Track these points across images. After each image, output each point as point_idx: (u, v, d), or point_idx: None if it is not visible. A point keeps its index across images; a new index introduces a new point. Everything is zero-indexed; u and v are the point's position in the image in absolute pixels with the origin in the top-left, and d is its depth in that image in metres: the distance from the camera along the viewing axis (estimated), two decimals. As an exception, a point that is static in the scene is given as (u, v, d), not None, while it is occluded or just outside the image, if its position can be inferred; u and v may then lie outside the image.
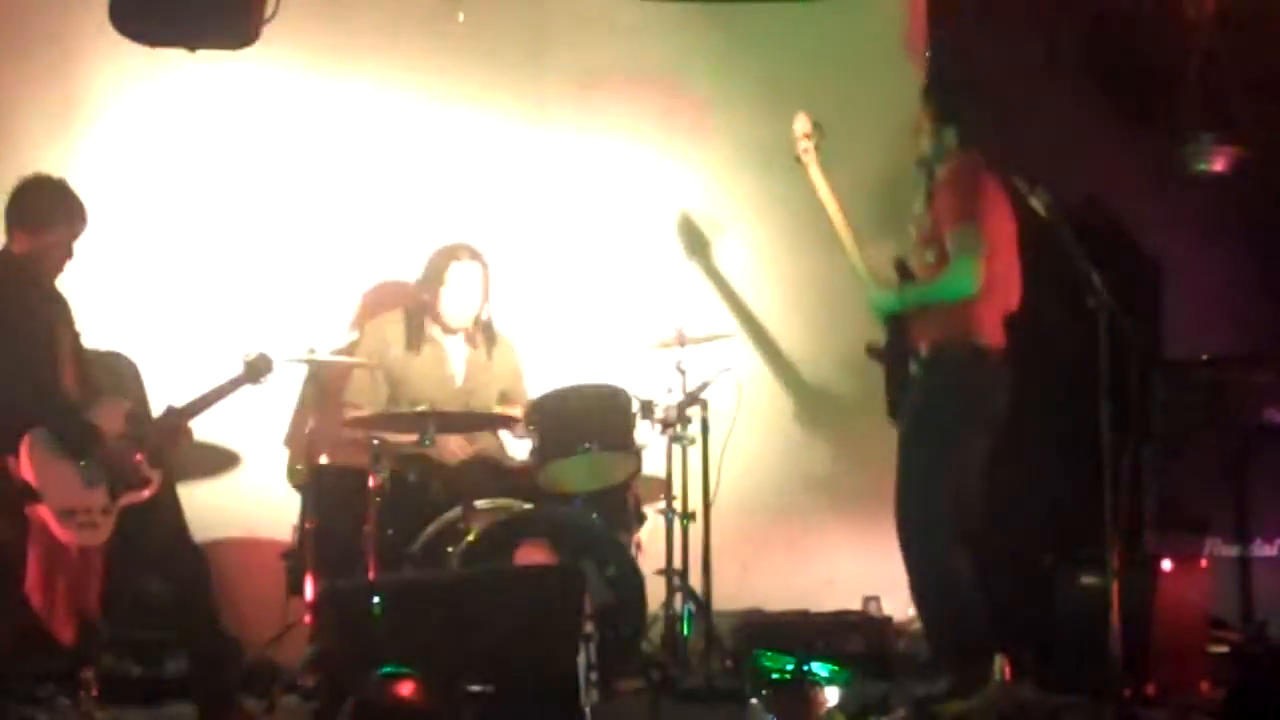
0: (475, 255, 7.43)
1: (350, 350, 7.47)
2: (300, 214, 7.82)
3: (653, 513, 7.26)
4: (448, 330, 7.45)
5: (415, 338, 7.39)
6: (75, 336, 6.63)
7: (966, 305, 6.46)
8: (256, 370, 6.67)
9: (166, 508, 6.71)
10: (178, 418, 6.62)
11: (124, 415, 6.51)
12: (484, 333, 7.51)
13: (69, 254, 6.52)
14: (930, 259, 6.56)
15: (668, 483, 7.25)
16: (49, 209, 6.49)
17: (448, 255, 7.41)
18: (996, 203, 6.56)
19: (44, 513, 6.27)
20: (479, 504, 6.82)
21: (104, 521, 6.37)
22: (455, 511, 6.78)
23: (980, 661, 6.42)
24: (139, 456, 6.46)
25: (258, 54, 6.87)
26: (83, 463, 6.33)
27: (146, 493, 6.49)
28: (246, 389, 6.64)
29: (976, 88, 6.79)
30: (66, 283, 6.53)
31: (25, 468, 6.29)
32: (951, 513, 6.52)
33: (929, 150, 6.68)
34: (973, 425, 6.56)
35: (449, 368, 7.43)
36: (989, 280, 6.46)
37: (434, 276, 7.41)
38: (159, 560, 6.57)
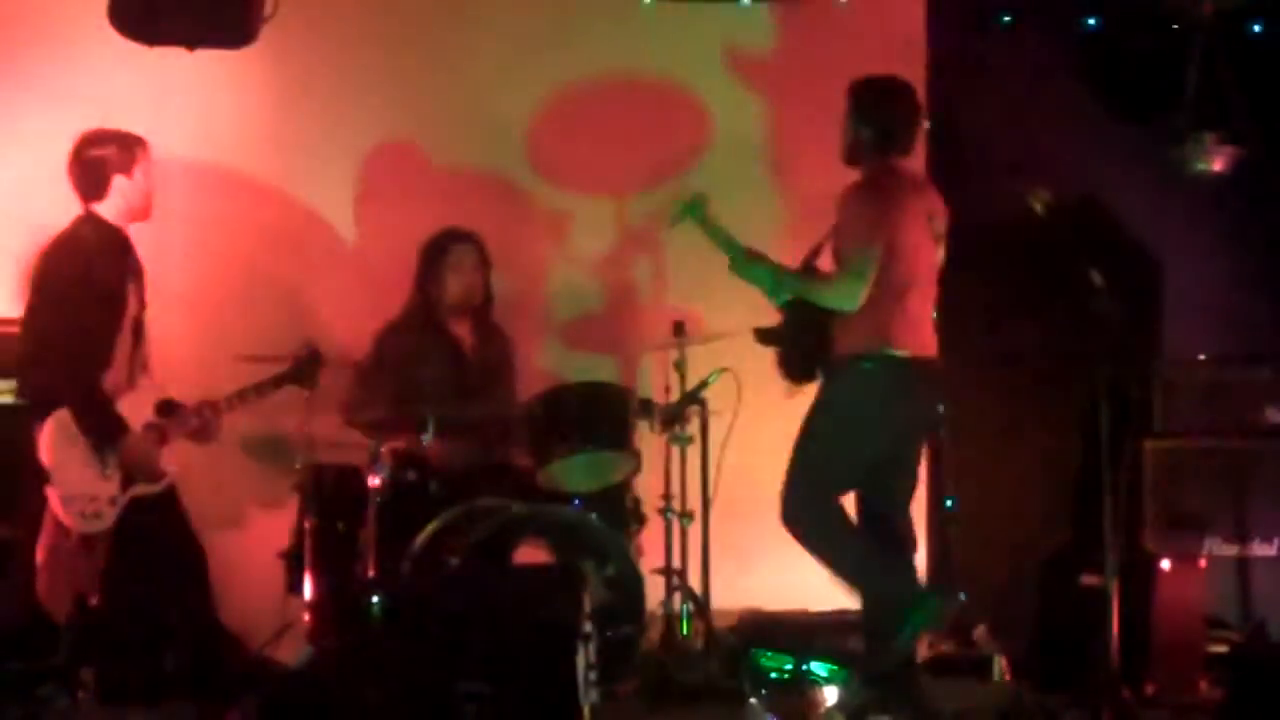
0: (469, 235, 7.44)
1: (358, 356, 7.46)
2: (298, 210, 7.82)
3: (651, 513, 7.26)
4: (454, 314, 7.44)
5: (425, 337, 7.37)
6: (143, 308, 6.63)
7: (882, 316, 6.41)
8: (304, 371, 6.66)
9: (177, 502, 6.70)
10: (212, 412, 6.60)
11: (155, 403, 6.50)
12: (486, 322, 7.51)
13: (144, 198, 6.53)
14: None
15: (666, 482, 7.25)
16: (103, 164, 6.52)
17: (444, 237, 7.42)
18: (911, 217, 6.49)
19: (52, 496, 6.29)
20: (478, 503, 6.81)
21: (110, 511, 6.38)
22: (454, 511, 6.77)
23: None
24: (161, 449, 6.46)
25: (257, 51, 6.88)
26: (102, 453, 6.34)
27: (160, 486, 6.49)
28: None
29: (904, 92, 6.68)
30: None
31: (44, 448, 6.32)
32: (841, 509, 6.50)
33: (850, 149, 6.66)
34: (875, 431, 6.49)
35: (458, 365, 7.42)
36: (905, 290, 6.44)
37: (433, 261, 7.40)
38: (165, 553, 6.57)
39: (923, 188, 6.69)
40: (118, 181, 6.64)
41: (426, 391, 7.16)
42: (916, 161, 8.09)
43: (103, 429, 6.38)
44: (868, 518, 6.59)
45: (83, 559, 6.44)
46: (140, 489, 6.45)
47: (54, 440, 6.35)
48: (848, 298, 6.41)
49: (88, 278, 6.47)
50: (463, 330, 7.47)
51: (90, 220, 6.60)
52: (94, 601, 6.47)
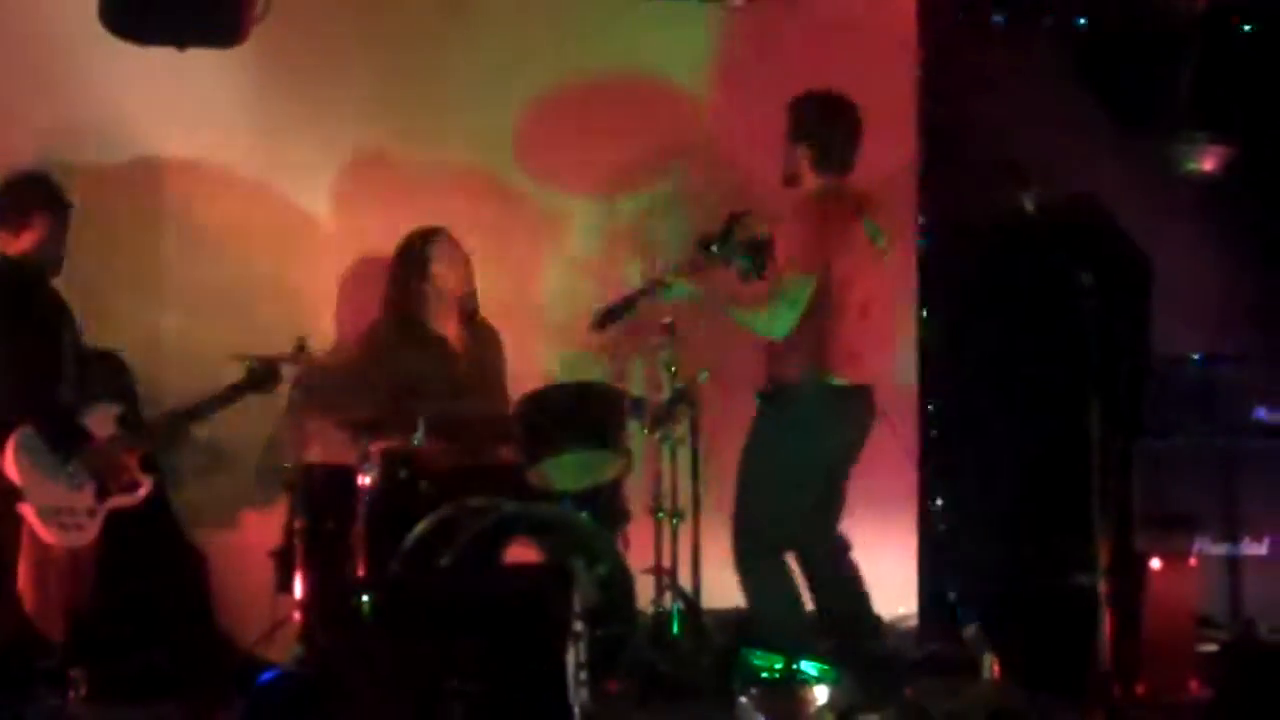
0: (443, 229, 7.44)
1: (347, 354, 7.46)
2: (288, 209, 7.83)
3: (642, 512, 7.27)
4: (440, 311, 7.44)
5: (416, 334, 7.37)
6: (75, 339, 6.63)
7: (818, 342, 6.40)
8: (260, 378, 6.67)
9: (163, 510, 6.72)
10: (177, 422, 6.62)
11: (115, 418, 6.51)
12: (474, 319, 7.51)
13: (61, 247, 6.53)
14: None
15: (656, 481, 7.26)
16: (28, 203, 6.51)
17: (421, 233, 7.42)
18: (852, 240, 6.46)
19: (27, 512, 6.28)
20: (468, 502, 6.81)
21: (90, 523, 6.38)
22: (444, 510, 6.77)
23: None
24: (131, 460, 6.46)
25: (247, 50, 6.89)
26: (69, 464, 6.34)
27: (138, 495, 6.50)
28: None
29: (844, 108, 6.62)
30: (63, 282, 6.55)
31: (9, 465, 6.31)
32: (773, 535, 6.54)
33: (785, 165, 6.62)
34: (812, 463, 6.52)
35: (448, 363, 7.42)
36: (843, 316, 6.42)
37: (414, 257, 7.40)
38: (156, 563, 6.58)
39: (867, 205, 6.58)
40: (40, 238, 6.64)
41: (417, 390, 7.16)
42: (909, 158, 8.17)
43: (66, 439, 6.40)
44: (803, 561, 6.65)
45: (70, 574, 6.45)
46: (118, 500, 6.46)
47: (20, 456, 6.35)
48: (778, 326, 6.38)
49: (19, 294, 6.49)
50: (450, 328, 7.47)
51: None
52: (86, 618, 6.49)
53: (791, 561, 6.64)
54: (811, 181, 6.57)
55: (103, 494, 6.43)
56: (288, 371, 6.92)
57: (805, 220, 6.45)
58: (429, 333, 7.42)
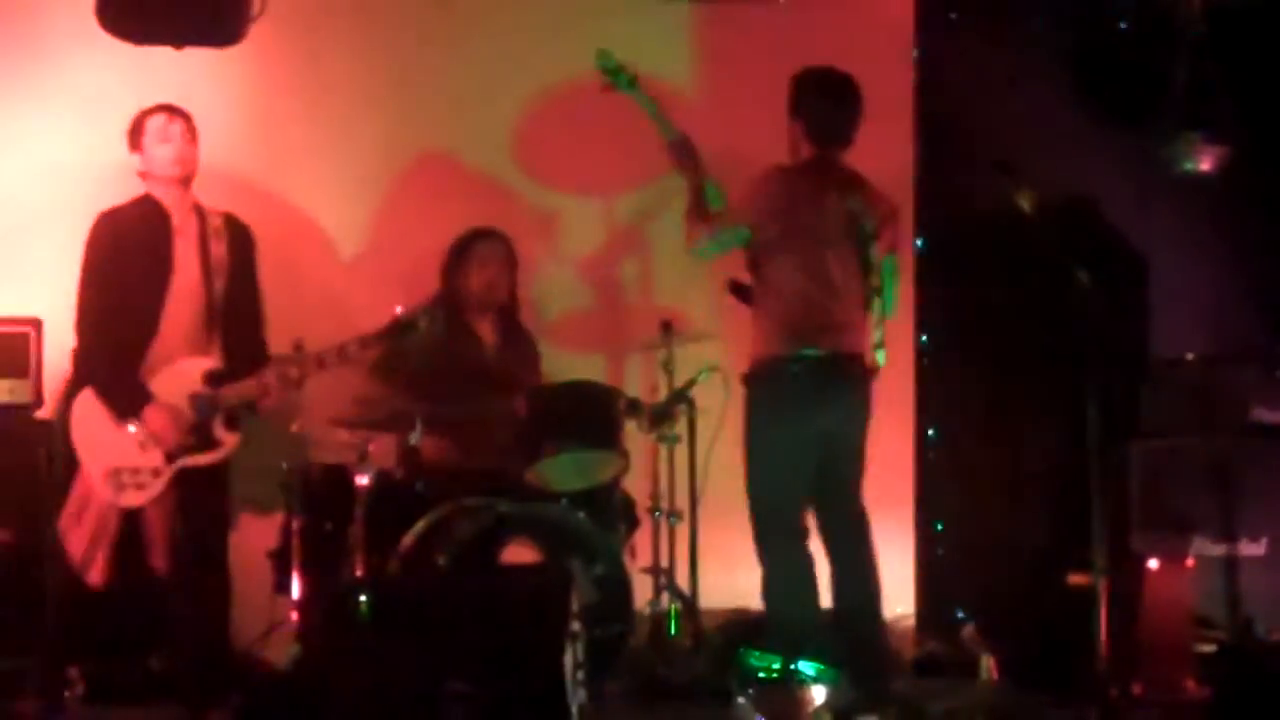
0: (496, 231, 7.47)
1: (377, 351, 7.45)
2: (286, 209, 7.82)
3: (639, 512, 7.27)
4: (481, 310, 7.43)
5: (449, 333, 7.35)
6: (229, 276, 6.61)
7: (791, 315, 6.46)
8: (404, 327, 6.65)
9: (221, 478, 6.67)
10: (274, 377, 6.55)
11: (203, 373, 6.48)
12: (511, 322, 7.52)
13: (187, 166, 6.55)
14: None
15: (654, 481, 7.25)
16: (144, 122, 6.54)
17: (472, 232, 7.45)
18: (823, 213, 6.53)
19: (90, 471, 6.32)
20: (465, 502, 6.80)
21: (152, 482, 6.38)
22: (442, 510, 6.76)
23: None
24: (209, 418, 6.45)
25: (244, 50, 6.88)
26: (128, 425, 6.35)
27: (215, 456, 6.48)
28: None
29: (839, 82, 6.68)
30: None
31: (74, 426, 6.35)
32: (782, 516, 6.56)
33: (790, 142, 6.70)
34: (796, 432, 6.51)
35: (479, 363, 7.40)
36: (811, 288, 6.48)
37: (458, 255, 7.42)
38: (205, 529, 6.56)
39: (852, 184, 6.63)
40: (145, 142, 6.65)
41: (445, 388, 7.13)
42: (905, 156, 8.16)
43: (120, 399, 6.39)
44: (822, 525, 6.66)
45: (129, 527, 6.46)
46: (191, 459, 6.44)
47: (85, 416, 6.38)
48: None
49: (117, 251, 6.47)
50: (485, 329, 7.46)
51: (137, 198, 6.62)
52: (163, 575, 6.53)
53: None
54: (804, 152, 6.63)
55: (173, 454, 6.42)
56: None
57: (772, 182, 6.56)
58: (465, 331, 7.42)
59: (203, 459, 6.47)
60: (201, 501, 6.48)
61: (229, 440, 6.52)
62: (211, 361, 6.54)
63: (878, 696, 6.39)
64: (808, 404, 6.50)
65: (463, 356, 7.36)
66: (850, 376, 6.59)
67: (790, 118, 6.70)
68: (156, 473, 6.41)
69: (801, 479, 6.54)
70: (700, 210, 6.67)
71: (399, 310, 6.70)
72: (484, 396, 7.21)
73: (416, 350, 7.22)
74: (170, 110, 6.65)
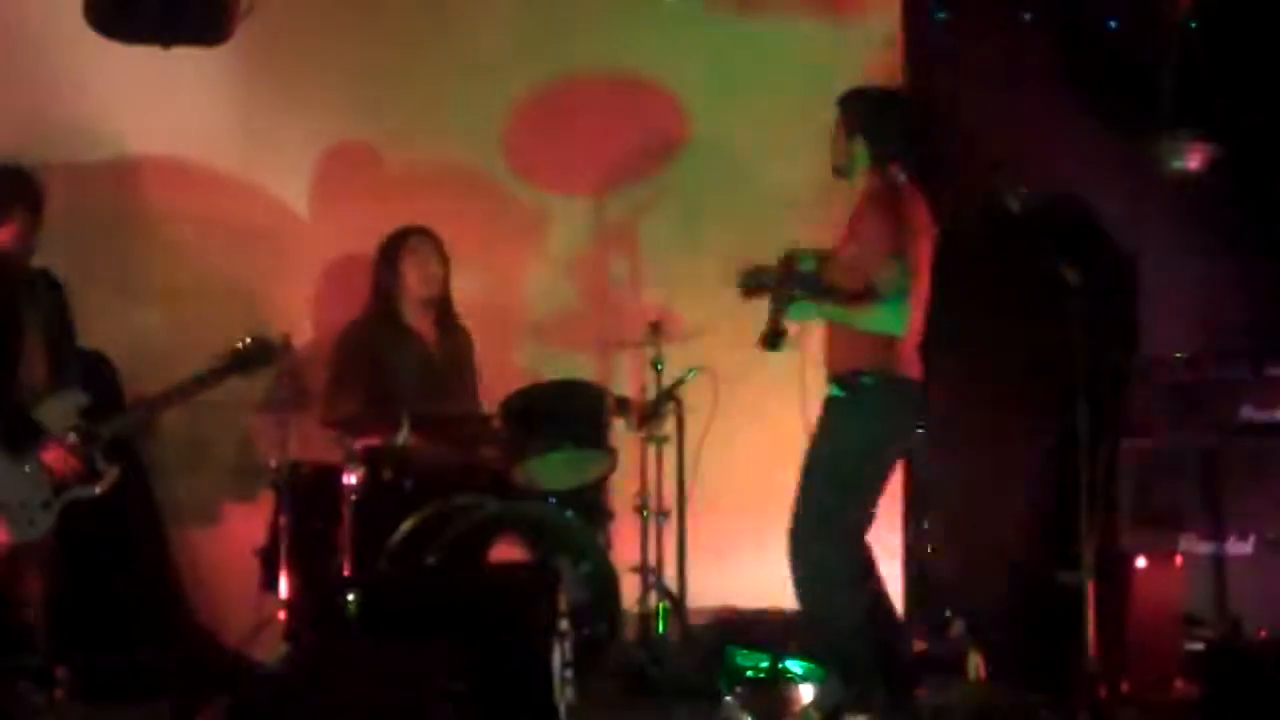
0: (425, 229, 7.43)
1: (326, 349, 7.44)
2: (273, 206, 7.82)
3: (628, 511, 7.27)
4: (415, 309, 7.42)
5: (392, 333, 7.36)
6: (58, 324, 6.59)
7: (890, 338, 6.29)
8: (247, 359, 6.64)
9: (136, 502, 6.68)
10: (145, 411, 6.59)
11: (78, 409, 6.49)
12: (448, 317, 7.50)
13: (32, 237, 6.50)
14: (852, 278, 6.35)
15: (642, 480, 7.26)
16: (6, 198, 6.49)
17: (401, 231, 7.42)
18: (923, 226, 6.37)
19: None
20: (453, 501, 6.80)
21: (42, 517, 6.37)
22: (429, 509, 6.76)
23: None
24: (90, 450, 6.44)
25: (232, 48, 6.88)
26: (24, 462, 6.34)
27: (98, 488, 6.48)
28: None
29: (901, 102, 6.62)
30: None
31: None
32: (853, 551, 6.38)
33: (842, 161, 6.51)
34: (877, 457, 6.41)
35: (424, 361, 7.40)
36: (919, 318, 6.34)
37: (391, 254, 7.39)
38: (125, 554, 6.56)
39: (924, 199, 6.50)
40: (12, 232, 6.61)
41: (396, 388, 7.15)
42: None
43: (18, 435, 6.39)
44: None
45: (33, 568, 6.45)
46: (75, 493, 6.45)
47: None
48: (898, 321, 6.23)
49: None
50: (425, 326, 7.45)
51: None
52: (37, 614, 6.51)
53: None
54: (872, 174, 6.46)
55: (60, 488, 6.42)
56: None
57: (884, 211, 6.30)
58: (405, 329, 7.40)
59: (89, 491, 6.48)
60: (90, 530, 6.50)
61: (110, 472, 6.53)
62: (86, 397, 6.56)
63: (867, 695, 6.38)
64: (912, 429, 6.49)
65: (408, 356, 7.36)
66: (923, 404, 6.51)
67: (846, 136, 6.47)
68: (46, 506, 6.42)
69: (863, 496, 6.41)
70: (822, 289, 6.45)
71: (242, 344, 6.71)
72: (432, 395, 7.21)
73: (363, 353, 7.24)
74: None
